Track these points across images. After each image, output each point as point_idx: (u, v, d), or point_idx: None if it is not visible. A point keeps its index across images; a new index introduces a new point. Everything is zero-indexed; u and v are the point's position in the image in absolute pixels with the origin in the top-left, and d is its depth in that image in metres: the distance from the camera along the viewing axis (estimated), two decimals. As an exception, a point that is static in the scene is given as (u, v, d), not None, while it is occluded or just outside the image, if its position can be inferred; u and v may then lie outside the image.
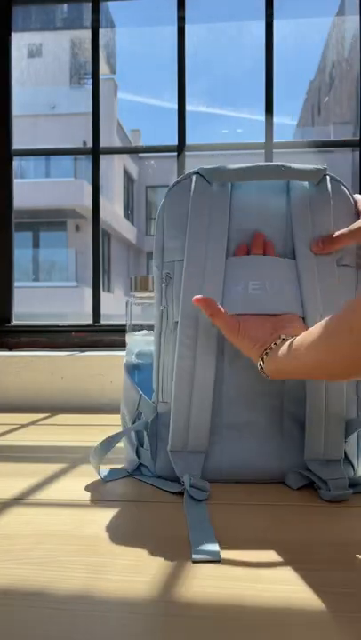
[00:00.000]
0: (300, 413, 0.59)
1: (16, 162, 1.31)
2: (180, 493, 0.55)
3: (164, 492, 0.57)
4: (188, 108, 1.27)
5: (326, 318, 0.45)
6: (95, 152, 1.29)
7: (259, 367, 0.54)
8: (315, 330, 0.47)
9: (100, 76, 1.31)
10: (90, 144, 1.29)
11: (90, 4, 1.28)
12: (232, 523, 0.49)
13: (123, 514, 0.52)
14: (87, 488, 0.59)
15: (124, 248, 14.60)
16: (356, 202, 0.62)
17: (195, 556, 0.42)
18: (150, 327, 0.66)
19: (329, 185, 0.61)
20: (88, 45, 1.28)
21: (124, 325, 0.75)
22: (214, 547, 0.43)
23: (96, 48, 1.28)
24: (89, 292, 1.87)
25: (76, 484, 0.60)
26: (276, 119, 1.24)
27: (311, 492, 0.57)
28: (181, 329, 0.59)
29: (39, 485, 0.60)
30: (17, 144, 1.31)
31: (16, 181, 1.31)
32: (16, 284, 1.31)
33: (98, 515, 0.51)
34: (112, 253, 13.68)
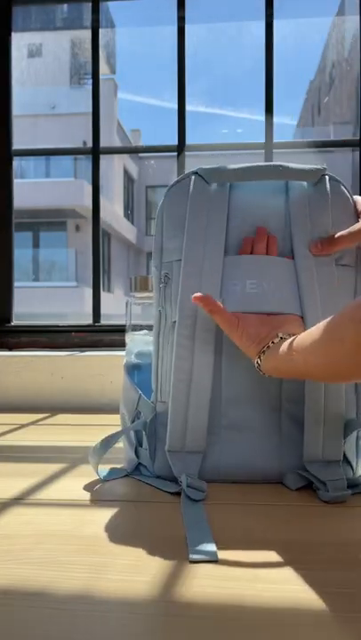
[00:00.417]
0: (299, 414, 0.59)
1: (16, 162, 1.31)
2: (179, 493, 0.55)
3: (163, 492, 0.57)
4: (188, 108, 1.27)
5: (325, 321, 0.45)
6: (95, 152, 1.29)
7: (256, 365, 0.55)
8: (312, 333, 0.47)
9: (100, 76, 1.31)
10: (90, 144, 1.29)
11: (90, 4, 1.28)
12: (230, 523, 0.49)
13: (122, 514, 0.52)
14: (87, 488, 0.59)
15: (124, 248, 14.60)
16: (355, 203, 0.61)
17: (192, 556, 0.42)
18: (150, 327, 0.66)
19: (328, 185, 0.61)
20: (88, 45, 1.28)
21: (124, 325, 0.75)
22: (212, 547, 0.43)
23: (96, 48, 1.28)
24: (89, 291, 1.87)
25: (75, 484, 0.60)
26: (276, 119, 1.24)
27: (310, 493, 0.57)
28: (179, 329, 0.59)
29: (39, 485, 0.60)
30: (17, 144, 1.31)
31: (16, 181, 1.31)
32: (16, 283, 1.31)
33: (97, 515, 0.51)
34: (112, 253, 13.68)
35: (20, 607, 0.35)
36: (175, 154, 1.26)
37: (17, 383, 1.12)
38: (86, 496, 0.57)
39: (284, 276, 0.59)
